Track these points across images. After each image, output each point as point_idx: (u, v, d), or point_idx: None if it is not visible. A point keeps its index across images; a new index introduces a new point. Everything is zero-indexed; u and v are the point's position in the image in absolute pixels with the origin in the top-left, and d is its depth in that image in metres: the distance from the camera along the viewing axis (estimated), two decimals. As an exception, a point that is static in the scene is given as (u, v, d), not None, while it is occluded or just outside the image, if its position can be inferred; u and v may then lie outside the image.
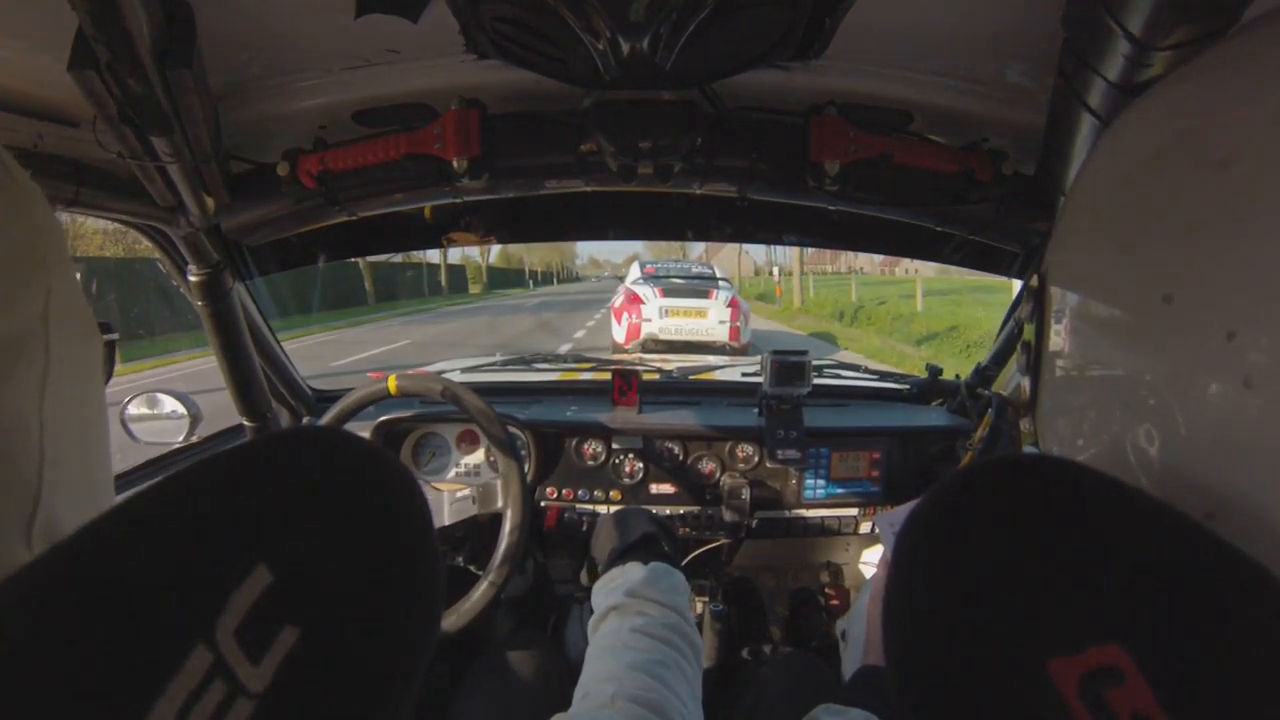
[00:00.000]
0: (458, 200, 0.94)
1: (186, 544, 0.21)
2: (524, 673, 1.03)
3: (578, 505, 1.24)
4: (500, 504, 1.05)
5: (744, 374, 1.57)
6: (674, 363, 1.68)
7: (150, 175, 0.72)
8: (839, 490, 1.26)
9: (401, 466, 0.27)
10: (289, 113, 0.79)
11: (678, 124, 0.78)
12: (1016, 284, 1.25)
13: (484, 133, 0.77)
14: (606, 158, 0.80)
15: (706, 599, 1.15)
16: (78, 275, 0.33)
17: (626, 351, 7.33)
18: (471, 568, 1.13)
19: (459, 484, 1.19)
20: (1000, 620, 0.23)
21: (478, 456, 1.30)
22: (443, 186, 0.83)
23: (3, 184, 0.28)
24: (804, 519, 1.26)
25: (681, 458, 1.26)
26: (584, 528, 1.21)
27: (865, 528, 1.26)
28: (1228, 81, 0.29)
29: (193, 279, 1.00)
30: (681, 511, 1.24)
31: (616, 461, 1.25)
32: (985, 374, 1.28)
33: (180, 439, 1.14)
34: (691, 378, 1.59)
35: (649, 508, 1.23)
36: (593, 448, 1.26)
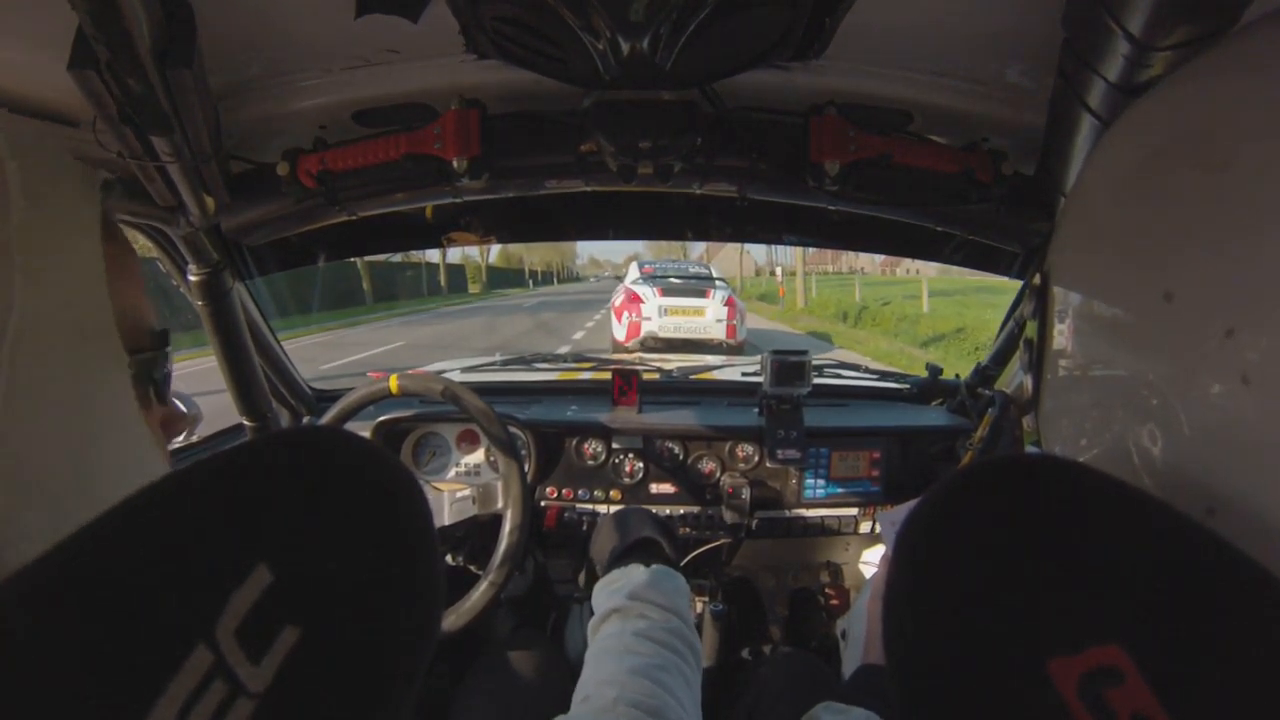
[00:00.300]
0: (458, 200, 0.94)
1: (187, 544, 0.21)
2: (524, 672, 1.03)
3: (578, 505, 1.24)
4: (500, 504, 1.05)
5: (744, 374, 1.57)
6: (674, 362, 1.68)
7: (150, 175, 0.72)
8: (839, 490, 1.26)
9: (402, 466, 0.27)
10: (289, 113, 0.79)
11: (678, 124, 0.78)
12: (1019, 284, 1.25)
13: (484, 133, 0.77)
14: (606, 158, 0.80)
15: (706, 599, 1.15)
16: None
17: (627, 349, 7.63)
18: (471, 568, 1.13)
19: (459, 484, 1.19)
20: (1000, 620, 0.23)
21: (478, 456, 1.30)
22: (443, 186, 0.83)
23: None
24: (804, 519, 1.26)
25: (682, 457, 1.26)
26: (584, 527, 1.21)
27: (865, 527, 1.27)
28: (1228, 82, 0.29)
29: (193, 279, 1.00)
30: (681, 511, 1.24)
31: (616, 461, 1.25)
32: (985, 374, 1.28)
33: (180, 439, 1.13)
34: (691, 377, 1.59)
35: (649, 508, 1.23)
36: (593, 447, 1.26)
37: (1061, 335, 0.36)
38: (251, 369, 1.14)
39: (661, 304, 8.08)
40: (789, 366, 1.20)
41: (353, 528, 0.24)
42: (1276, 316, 0.23)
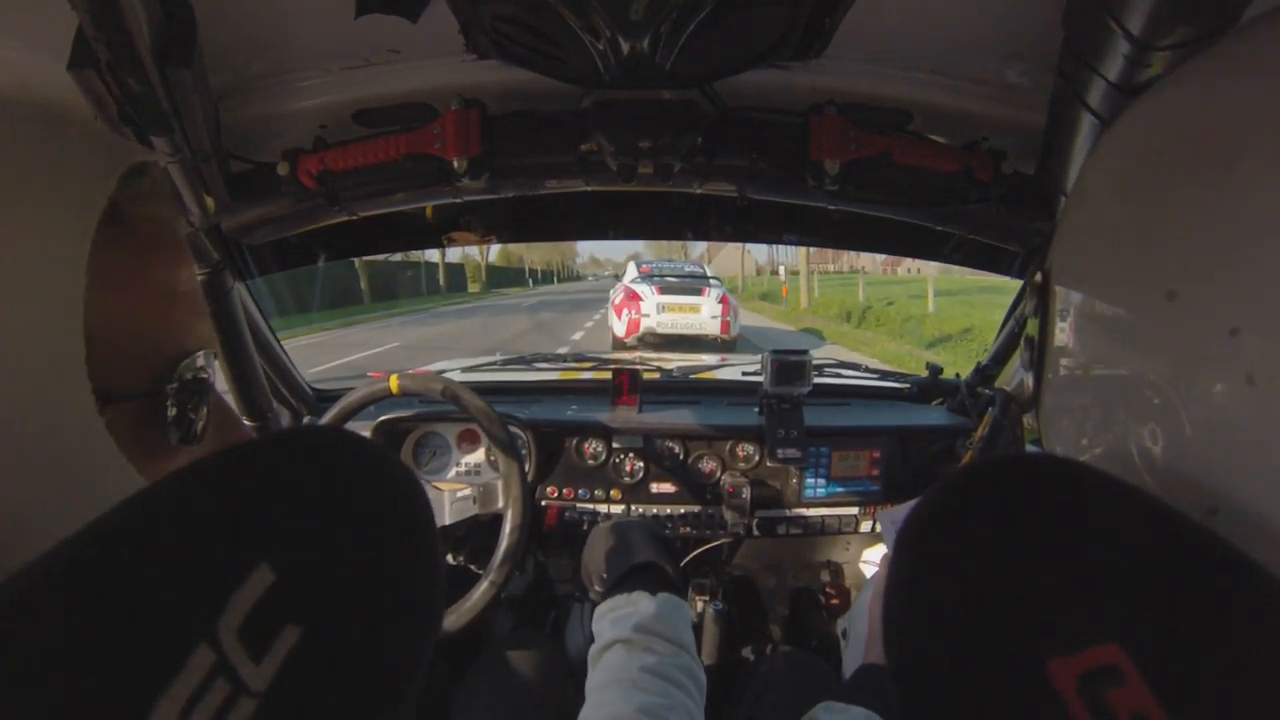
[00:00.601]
0: (458, 200, 0.94)
1: (188, 543, 0.21)
2: (524, 672, 1.04)
3: (578, 505, 1.24)
4: (501, 503, 1.05)
5: (744, 373, 1.57)
6: (674, 362, 1.68)
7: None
8: (839, 489, 1.26)
9: (403, 466, 0.27)
10: (289, 113, 0.79)
11: (678, 123, 0.78)
12: (1021, 283, 1.25)
13: (484, 132, 0.77)
14: (606, 157, 0.80)
15: (706, 598, 1.15)
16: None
17: (626, 345, 8.29)
18: (472, 567, 1.13)
19: (459, 483, 1.19)
20: (1000, 619, 0.23)
21: (478, 456, 1.30)
22: (443, 186, 0.83)
23: None
24: (804, 518, 1.26)
25: (682, 457, 1.26)
26: (584, 527, 1.21)
27: (865, 527, 1.27)
28: (1228, 81, 0.29)
29: (193, 278, 1.00)
30: (682, 511, 1.24)
31: (617, 461, 1.25)
32: (986, 373, 1.28)
33: None
34: (692, 377, 1.59)
35: (648, 509, 1.23)
36: (593, 447, 1.26)
37: (1062, 334, 0.36)
38: (252, 369, 1.14)
39: (659, 301, 8.52)
40: (789, 366, 1.20)
41: (354, 527, 0.24)
42: None
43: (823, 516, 1.26)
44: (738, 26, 0.64)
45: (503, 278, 39.60)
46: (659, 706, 0.55)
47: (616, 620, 0.65)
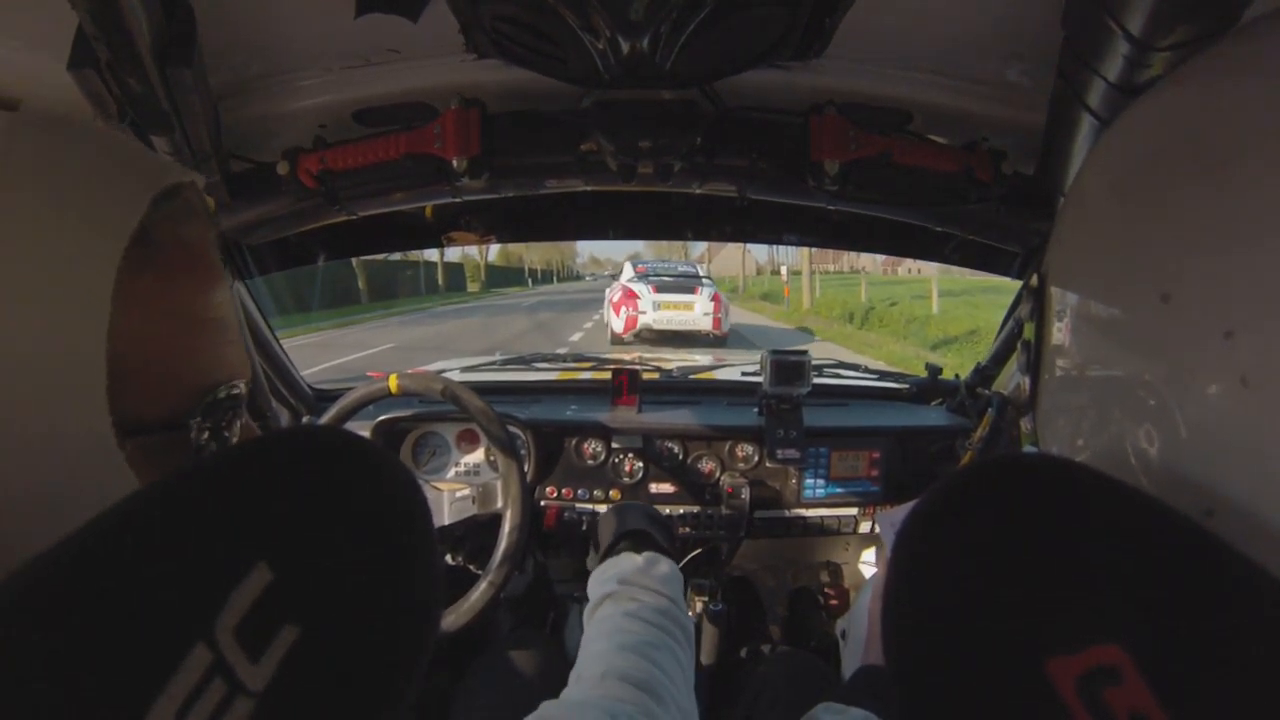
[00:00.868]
0: (457, 200, 0.94)
1: (186, 542, 0.21)
2: (524, 672, 1.04)
3: (577, 505, 1.24)
4: (500, 503, 1.05)
5: (744, 374, 1.57)
6: (673, 362, 1.68)
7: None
8: (838, 490, 1.26)
9: (402, 466, 0.27)
10: (289, 112, 0.79)
11: (677, 123, 0.78)
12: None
13: (484, 132, 0.77)
14: (606, 157, 0.80)
15: (706, 598, 1.15)
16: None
17: (624, 341, 8.89)
18: (471, 567, 1.13)
19: (459, 483, 1.19)
20: (999, 619, 0.23)
21: (477, 456, 1.30)
22: (443, 186, 0.83)
23: None
24: (804, 518, 1.26)
25: (681, 457, 1.26)
26: (583, 527, 1.22)
27: (865, 527, 1.27)
28: (1227, 82, 0.29)
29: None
30: (681, 511, 1.24)
31: (616, 461, 1.25)
32: (985, 373, 1.28)
33: None
34: (691, 377, 1.59)
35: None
36: (592, 447, 1.26)
37: (1059, 335, 0.36)
38: (251, 368, 1.14)
39: (655, 299, 9.06)
40: (788, 366, 1.20)
41: (352, 527, 0.24)
42: (1277, 318, 0.23)
43: (822, 517, 1.26)
44: (738, 26, 0.64)
45: (502, 277, 39.56)
46: (639, 643, 0.56)
47: (604, 580, 0.67)
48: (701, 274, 10.45)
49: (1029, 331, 0.40)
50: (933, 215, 0.91)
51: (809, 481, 1.25)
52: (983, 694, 0.23)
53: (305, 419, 1.32)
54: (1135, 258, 0.30)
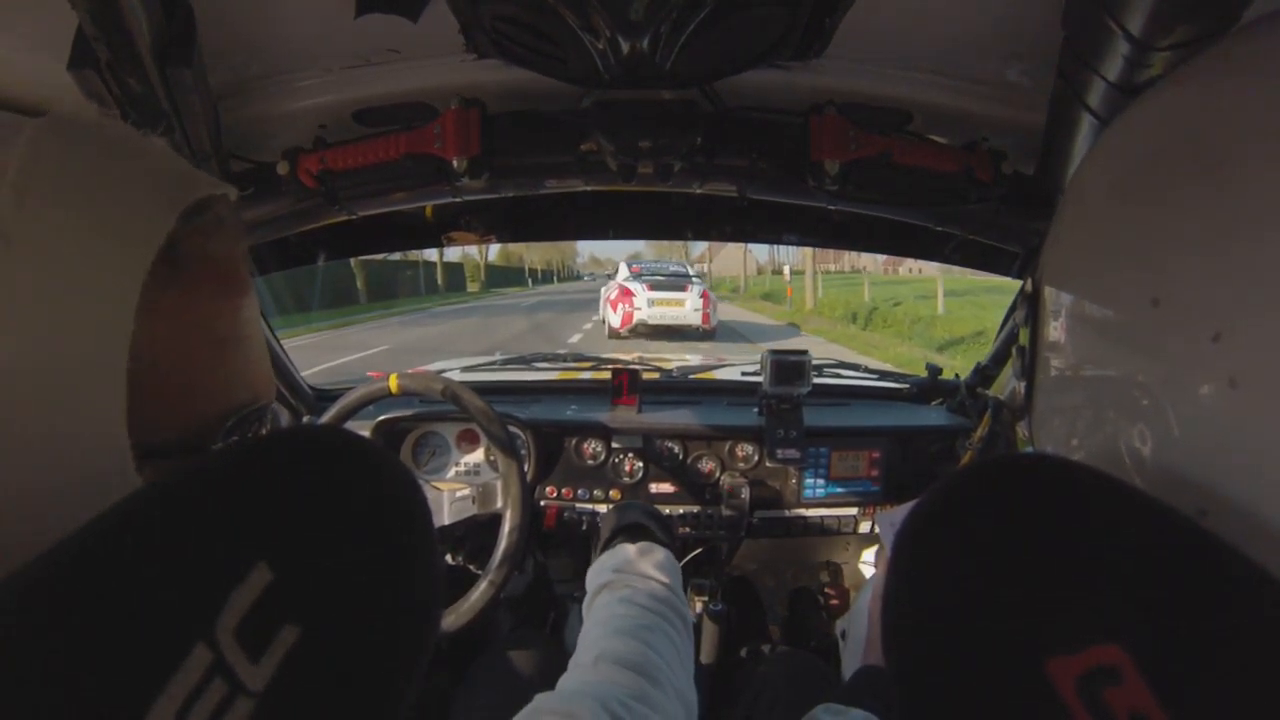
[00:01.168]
0: (458, 200, 0.94)
1: (187, 542, 0.21)
2: (524, 672, 1.04)
3: (577, 504, 1.24)
4: (500, 503, 1.05)
5: (744, 374, 1.57)
6: (673, 362, 1.68)
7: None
8: (839, 490, 1.26)
9: (402, 466, 0.27)
10: (289, 112, 0.79)
11: (677, 123, 0.78)
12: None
13: (484, 132, 0.77)
14: (606, 157, 0.80)
15: (706, 599, 1.15)
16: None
17: (621, 336, 9.87)
18: (471, 567, 1.13)
19: (459, 483, 1.19)
20: (999, 619, 0.23)
21: (477, 456, 1.30)
22: (443, 186, 0.83)
23: None
24: (804, 518, 1.26)
25: (681, 457, 1.26)
26: (583, 527, 1.22)
27: (865, 527, 1.27)
28: (1227, 82, 0.29)
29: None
30: (681, 511, 1.24)
31: (616, 461, 1.25)
32: (985, 373, 1.28)
33: None
34: (691, 377, 1.59)
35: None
36: (592, 447, 1.26)
37: (1053, 336, 0.36)
38: None
39: (649, 297, 10.01)
40: (788, 366, 1.20)
41: (352, 527, 0.24)
42: (1264, 319, 0.23)
43: (822, 517, 1.26)
44: (738, 26, 0.64)
45: (502, 277, 39.51)
46: (632, 627, 0.56)
47: (600, 570, 0.68)
48: (691, 273, 11.65)
49: (1024, 337, 0.40)
50: (933, 215, 0.91)
51: (809, 481, 1.25)
52: (983, 694, 0.23)
53: (305, 419, 1.32)
54: (1127, 260, 0.30)
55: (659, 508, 1.22)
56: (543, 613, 1.36)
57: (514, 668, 1.04)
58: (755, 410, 1.27)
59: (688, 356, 1.88)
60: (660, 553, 0.69)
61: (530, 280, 43.23)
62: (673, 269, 11.95)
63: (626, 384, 1.34)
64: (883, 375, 1.66)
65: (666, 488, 1.26)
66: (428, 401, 1.26)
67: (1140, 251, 0.29)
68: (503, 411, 1.12)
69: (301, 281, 11.42)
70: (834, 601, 1.38)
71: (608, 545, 0.75)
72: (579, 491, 1.24)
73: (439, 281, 25.53)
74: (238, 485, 0.23)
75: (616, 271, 11.81)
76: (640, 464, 1.25)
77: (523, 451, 1.21)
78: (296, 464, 0.24)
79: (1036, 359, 0.38)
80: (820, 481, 1.25)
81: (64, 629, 0.18)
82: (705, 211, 1.13)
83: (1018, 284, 1.15)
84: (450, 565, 1.15)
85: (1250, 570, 0.21)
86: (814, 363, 1.24)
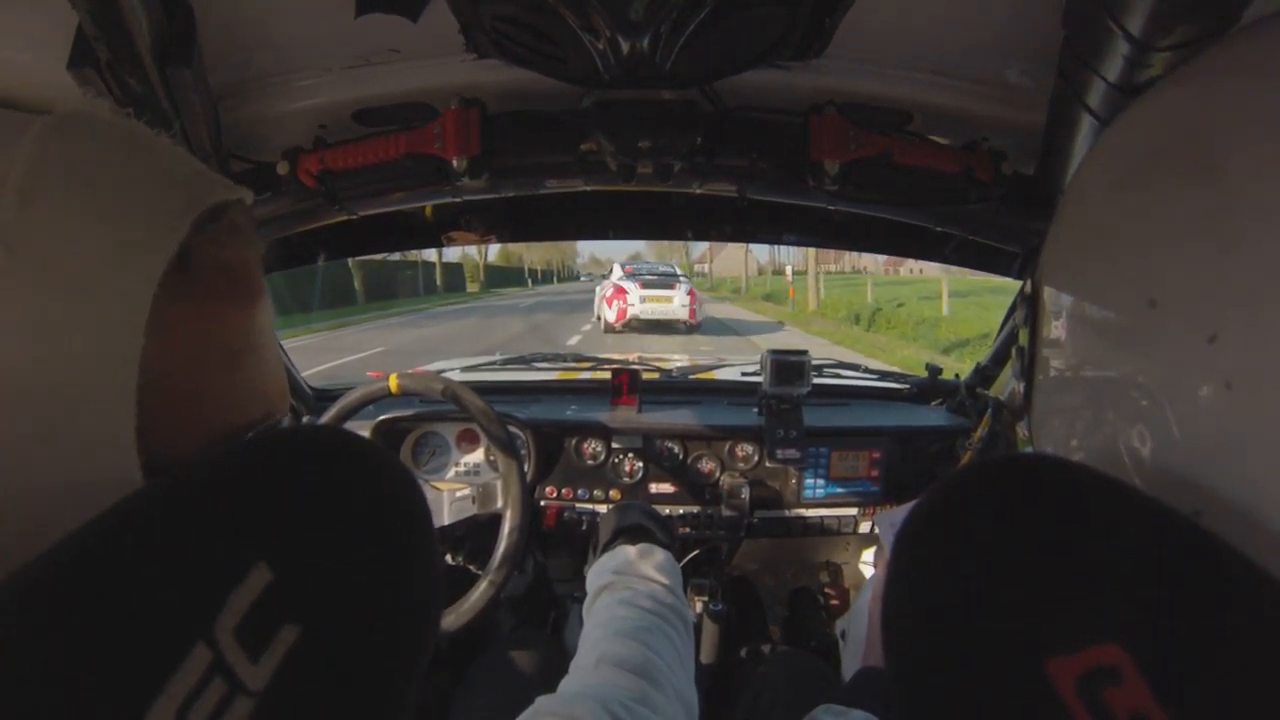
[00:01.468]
0: (457, 200, 0.94)
1: (186, 542, 0.21)
2: (524, 672, 1.04)
3: (577, 504, 1.24)
4: (500, 503, 1.05)
5: (744, 374, 1.57)
6: (673, 362, 1.69)
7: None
8: (838, 490, 1.26)
9: (402, 466, 0.27)
10: (289, 112, 0.79)
11: (677, 123, 0.78)
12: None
13: (484, 132, 0.77)
14: (606, 157, 0.80)
15: (706, 598, 1.15)
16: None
17: (616, 330, 10.96)
18: (471, 567, 1.13)
19: (459, 483, 1.19)
20: (999, 619, 0.23)
21: (477, 456, 1.30)
22: (443, 186, 0.83)
23: None
24: (804, 518, 1.26)
25: (681, 457, 1.26)
26: (583, 527, 1.22)
27: (865, 527, 1.27)
28: (1226, 82, 0.29)
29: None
30: (681, 511, 1.24)
31: (616, 461, 1.25)
32: (985, 373, 1.28)
33: None
34: (691, 377, 1.59)
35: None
36: (592, 447, 1.26)
37: (1054, 336, 0.36)
38: None
39: (641, 294, 11.12)
40: (788, 366, 1.20)
41: (352, 527, 0.24)
42: (1259, 320, 0.23)
43: (822, 517, 1.26)
44: (738, 26, 0.64)
45: (502, 277, 39.47)
46: (633, 628, 0.56)
47: (600, 572, 0.68)
48: (679, 273, 13.04)
49: (1023, 338, 0.40)
50: (933, 215, 0.91)
51: (809, 481, 1.25)
52: (982, 694, 0.23)
53: (305, 419, 1.32)
54: (1125, 261, 0.30)
55: (659, 508, 1.22)
56: (543, 613, 1.36)
57: (514, 668, 1.04)
58: (755, 410, 1.27)
59: (688, 357, 1.88)
60: (660, 554, 0.69)
61: (530, 280, 43.21)
62: (662, 269, 13.21)
63: (626, 384, 1.34)
64: (882, 375, 1.66)
65: (666, 488, 1.26)
66: (428, 401, 1.26)
67: (1139, 252, 0.29)
68: (503, 411, 1.12)
69: (299, 282, 11.34)
70: (834, 601, 1.38)
71: (608, 546, 0.75)
72: (579, 491, 1.24)
73: (438, 282, 25.49)
74: (238, 485, 0.23)
75: (611, 272, 13.03)
76: (640, 464, 1.25)
77: (523, 451, 1.21)
78: (296, 464, 0.24)
79: (1036, 359, 0.38)
80: (820, 482, 1.25)
81: (64, 629, 0.18)
82: (705, 211, 1.13)
83: (1017, 284, 1.15)
84: (450, 565, 1.15)
85: (1250, 570, 0.21)
86: (814, 363, 1.24)
